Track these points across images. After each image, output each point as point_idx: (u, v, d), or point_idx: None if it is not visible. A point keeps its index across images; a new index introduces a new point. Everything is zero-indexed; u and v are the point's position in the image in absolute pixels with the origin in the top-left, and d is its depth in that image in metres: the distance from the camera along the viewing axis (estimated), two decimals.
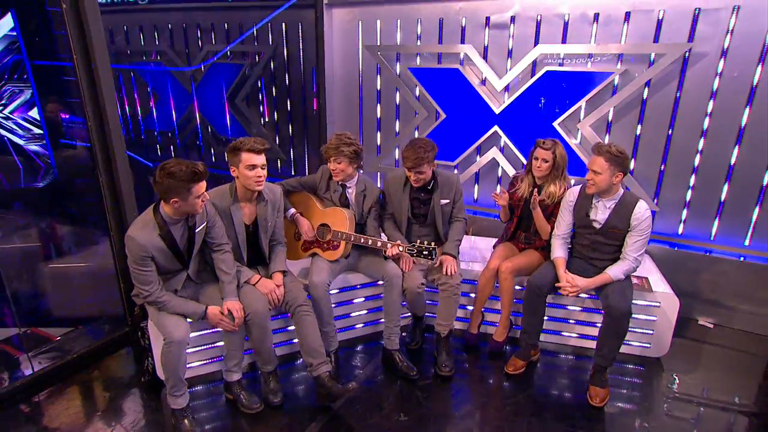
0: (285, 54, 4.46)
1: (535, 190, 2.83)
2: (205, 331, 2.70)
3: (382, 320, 2.89)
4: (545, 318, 2.84)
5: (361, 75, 4.21)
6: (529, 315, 2.78)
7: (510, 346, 3.09)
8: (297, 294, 2.56)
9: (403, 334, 3.13)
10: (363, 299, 3.10)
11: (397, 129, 4.23)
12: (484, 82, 3.75)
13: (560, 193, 2.81)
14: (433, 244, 2.58)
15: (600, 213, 2.65)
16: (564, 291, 2.64)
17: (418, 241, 2.60)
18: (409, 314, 3.13)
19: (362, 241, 2.75)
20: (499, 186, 3.92)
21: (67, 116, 4.85)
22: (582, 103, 3.45)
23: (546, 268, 2.77)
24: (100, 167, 2.60)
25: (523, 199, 2.91)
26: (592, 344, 3.01)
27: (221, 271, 2.45)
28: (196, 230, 2.35)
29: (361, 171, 2.94)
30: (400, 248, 2.62)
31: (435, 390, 2.67)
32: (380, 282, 2.86)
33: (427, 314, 3.14)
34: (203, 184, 2.19)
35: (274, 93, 4.72)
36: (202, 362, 2.77)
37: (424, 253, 2.58)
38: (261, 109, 4.87)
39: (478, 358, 2.97)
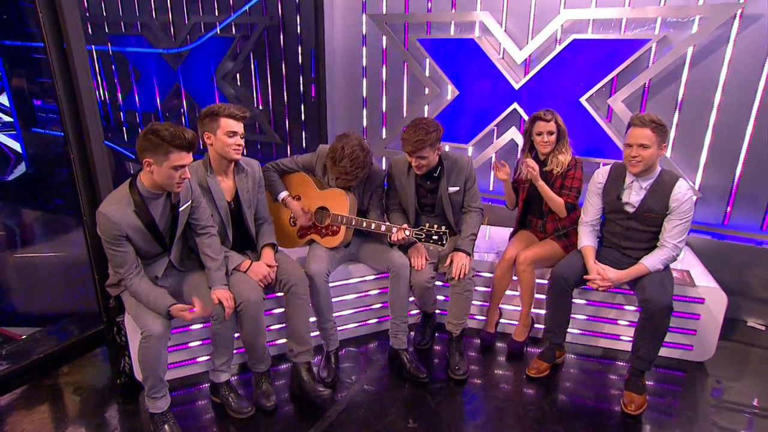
0: (281, 25, 4.45)
1: (528, 158, 2.83)
2: (190, 326, 2.68)
3: (389, 317, 2.86)
4: (571, 315, 2.79)
5: (365, 47, 4.18)
6: (553, 311, 2.72)
7: (531, 347, 3.05)
8: (292, 272, 2.54)
9: (412, 333, 3.11)
10: (366, 293, 3.08)
11: (405, 109, 4.20)
12: (502, 54, 3.72)
13: (570, 159, 2.81)
14: (443, 228, 2.55)
15: (634, 195, 2.59)
16: (594, 284, 2.59)
17: (427, 224, 2.57)
18: (419, 311, 3.11)
19: (364, 225, 2.73)
20: (494, 156, 3.84)
21: (40, 102, 4.83)
22: (613, 75, 3.39)
23: (572, 258, 2.72)
24: (74, 155, 2.61)
25: (528, 181, 2.89)
26: (626, 346, 2.97)
27: (207, 257, 2.42)
28: (180, 209, 2.32)
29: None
30: (407, 232, 2.59)
31: (447, 395, 2.63)
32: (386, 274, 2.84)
33: (438, 311, 3.10)
34: (186, 156, 2.14)
35: (267, 69, 4.69)
36: (186, 361, 2.75)
37: (434, 237, 2.54)
38: (253, 87, 4.84)
39: (496, 360, 2.94)
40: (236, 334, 2.56)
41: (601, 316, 3.01)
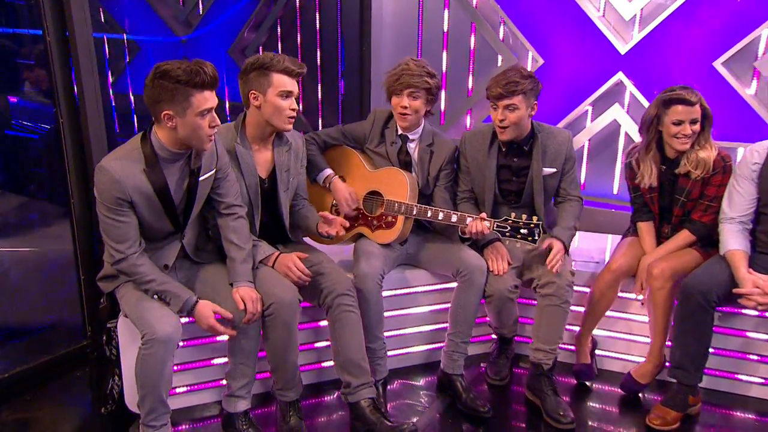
0: None
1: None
2: (198, 340, 2.59)
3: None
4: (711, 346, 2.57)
5: (422, 10, 4.10)
6: (685, 339, 2.52)
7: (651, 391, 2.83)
8: (337, 279, 2.50)
9: (482, 365, 3.03)
10: (427, 308, 2.98)
11: (470, 84, 4.08)
12: (603, 9, 3.58)
13: (715, 157, 2.62)
14: (535, 219, 2.46)
15: None
16: (749, 301, 2.43)
17: (513, 214, 2.49)
18: (492, 334, 3.05)
19: (429, 215, 2.67)
20: (586, 143, 3.64)
21: (16, 100, 4.85)
22: (763, 30, 3.16)
23: (713, 267, 2.55)
24: (65, 133, 2.74)
25: (656, 187, 2.74)
26: None
27: (231, 245, 2.37)
28: (201, 177, 2.27)
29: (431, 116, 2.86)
30: (487, 223, 2.50)
31: None
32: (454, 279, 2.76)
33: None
34: (210, 96, 2.10)
35: (298, 40, 4.63)
36: (191, 387, 2.66)
37: (522, 232, 2.46)
38: None
39: (597, 403, 2.78)
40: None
41: (753, 352, 2.76)
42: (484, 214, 2.53)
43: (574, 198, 2.81)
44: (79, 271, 2.92)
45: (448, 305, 2.89)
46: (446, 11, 4.02)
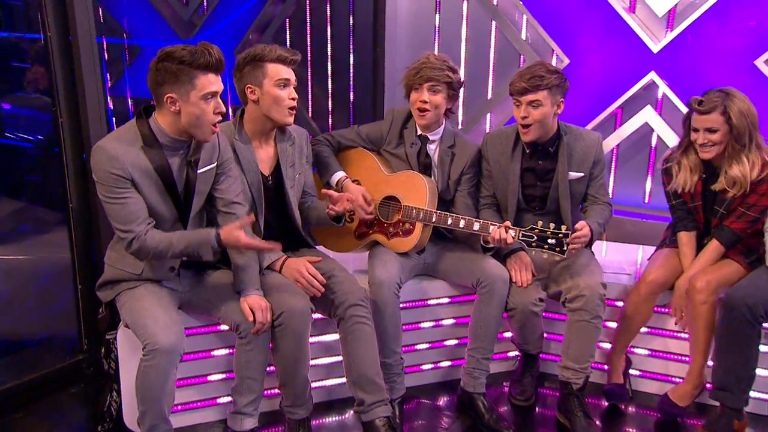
0: None
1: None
2: (202, 353, 2.58)
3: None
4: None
5: (439, 8, 4.12)
6: (729, 357, 2.48)
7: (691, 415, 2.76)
8: (350, 288, 2.48)
9: (504, 384, 3.00)
10: (447, 322, 2.96)
11: (491, 86, 4.07)
12: (633, 5, 3.56)
13: (757, 171, 2.55)
14: (564, 228, 2.44)
15: None
16: None
17: (540, 222, 2.48)
18: (516, 351, 3.02)
19: (449, 222, 2.65)
20: (614, 150, 3.62)
21: (10, 107, 4.88)
22: None
23: (761, 278, 2.50)
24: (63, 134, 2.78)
25: (695, 193, 2.69)
26: None
27: (233, 250, 2.35)
28: (199, 170, 2.27)
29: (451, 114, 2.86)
30: (512, 232, 2.49)
31: None
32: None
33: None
34: (215, 79, 2.12)
35: (308, 41, 4.61)
36: (192, 404, 2.64)
37: (549, 242, 2.44)
38: None
39: (631, 427, 2.75)
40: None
41: None
42: (508, 223, 2.51)
43: (602, 202, 2.78)
44: (77, 280, 2.91)
45: (461, 319, 2.91)
46: (465, 9, 4.01)
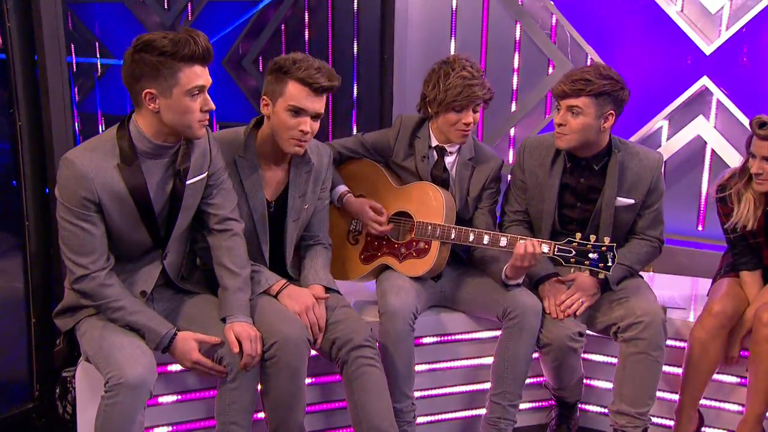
0: None
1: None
2: (174, 393, 2.48)
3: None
4: None
5: (456, 8, 4.15)
6: None
7: None
8: (354, 326, 2.44)
9: None
10: (468, 362, 2.90)
11: (515, 97, 4.11)
12: (682, 4, 3.58)
13: None
14: (607, 240, 2.44)
15: None
16: None
17: (578, 235, 2.48)
18: (550, 399, 2.95)
19: (472, 239, 2.64)
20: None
21: None
22: None
23: None
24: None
25: (758, 229, 2.65)
26: None
27: (225, 270, 2.34)
28: (188, 181, 2.25)
29: None
30: (545, 247, 2.50)
31: None
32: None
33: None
34: (201, 72, 2.09)
35: (306, 49, 4.66)
36: None
37: (591, 256, 2.43)
38: None
39: None
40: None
41: None
42: (539, 240, 2.52)
43: (650, 238, 2.75)
44: (30, 314, 2.85)
45: (479, 361, 2.87)
46: (485, 9, 4.06)
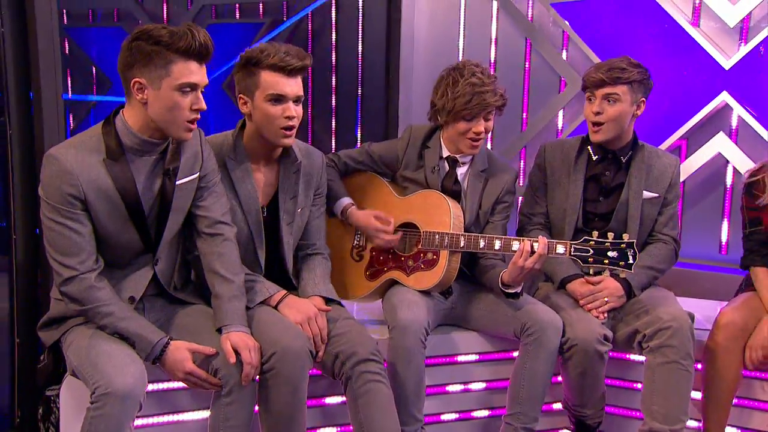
0: (333, 3, 4.52)
1: None
2: (165, 414, 2.43)
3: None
4: None
5: (463, 25, 4.17)
6: None
7: None
8: (359, 339, 2.41)
9: None
10: (482, 385, 2.87)
11: (524, 116, 4.12)
12: (697, 17, 3.58)
13: None
14: (626, 236, 2.45)
15: None
16: None
17: (596, 233, 2.48)
18: (569, 426, 2.87)
19: (482, 245, 2.61)
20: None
21: None
22: None
23: None
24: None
25: None
26: None
27: (217, 277, 2.32)
28: (179, 181, 2.25)
29: None
30: (560, 248, 2.50)
31: None
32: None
33: None
34: (196, 69, 2.10)
35: (310, 69, 4.65)
36: None
37: (611, 254, 2.42)
38: None
39: None
40: None
41: None
42: (542, 238, 2.52)
43: (666, 239, 2.81)
44: (14, 334, 2.82)
45: (496, 384, 2.83)
46: (493, 27, 4.10)
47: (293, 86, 2.37)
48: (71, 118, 6.10)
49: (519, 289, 2.57)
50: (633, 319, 2.62)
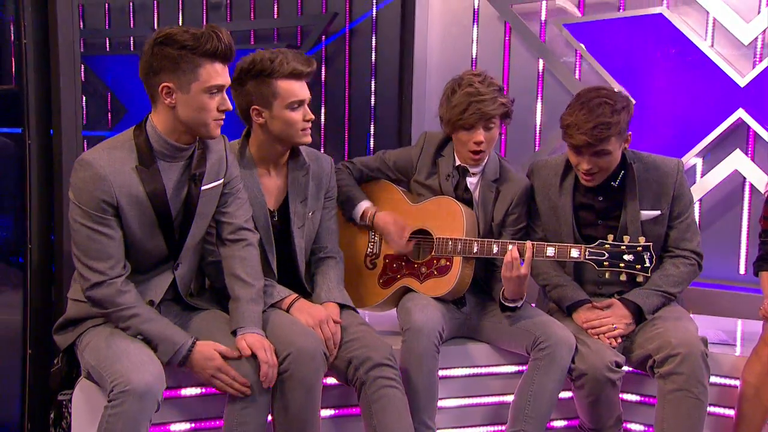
0: (347, 30, 4.61)
1: None
2: (179, 422, 2.42)
3: None
4: None
5: (476, 45, 4.25)
6: None
7: None
8: (373, 344, 2.42)
9: None
10: (496, 399, 2.82)
11: (537, 136, 4.15)
12: (711, 37, 3.62)
13: None
14: (642, 240, 2.44)
15: None
16: None
17: (611, 236, 2.47)
18: None
19: (496, 251, 2.62)
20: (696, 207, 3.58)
21: None
22: None
23: None
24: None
25: None
26: None
27: (237, 281, 2.34)
28: (204, 187, 2.27)
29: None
30: (574, 252, 2.49)
31: None
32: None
33: None
34: (222, 71, 2.13)
35: (322, 93, 4.80)
36: None
37: (626, 258, 2.41)
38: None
39: None
40: None
41: None
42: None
43: (686, 254, 2.69)
44: (26, 347, 2.81)
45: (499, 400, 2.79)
46: (505, 49, 4.15)
47: (306, 90, 2.45)
48: (85, 144, 6.19)
49: (519, 304, 2.57)
50: (646, 342, 2.57)
